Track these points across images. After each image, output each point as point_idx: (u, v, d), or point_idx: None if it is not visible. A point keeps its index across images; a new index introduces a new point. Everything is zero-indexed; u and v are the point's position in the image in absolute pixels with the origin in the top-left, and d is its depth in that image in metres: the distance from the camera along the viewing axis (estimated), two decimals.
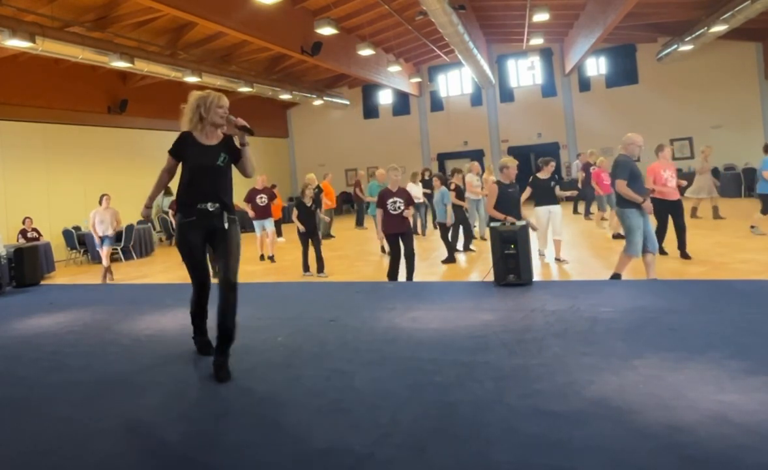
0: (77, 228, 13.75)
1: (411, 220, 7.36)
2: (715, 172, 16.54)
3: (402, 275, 6.97)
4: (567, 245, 8.66)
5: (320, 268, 8.43)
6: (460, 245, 9.69)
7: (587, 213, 13.11)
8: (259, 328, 4.62)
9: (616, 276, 5.84)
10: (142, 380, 3.63)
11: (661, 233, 7.39)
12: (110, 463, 2.54)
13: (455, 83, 22.68)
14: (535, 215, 7.90)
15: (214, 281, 3.74)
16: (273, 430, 2.72)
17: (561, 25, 17.61)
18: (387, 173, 7.31)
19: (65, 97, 14.66)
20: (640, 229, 5.71)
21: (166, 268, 11.60)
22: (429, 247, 10.71)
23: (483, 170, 11.74)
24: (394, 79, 19.95)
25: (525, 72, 21.48)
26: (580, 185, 13.19)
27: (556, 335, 3.77)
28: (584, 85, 20.70)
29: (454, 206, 9.32)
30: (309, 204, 8.42)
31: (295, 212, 8.46)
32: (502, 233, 5.61)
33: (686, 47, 16.03)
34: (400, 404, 2.87)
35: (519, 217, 6.63)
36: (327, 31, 12.59)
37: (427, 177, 13.52)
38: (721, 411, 2.47)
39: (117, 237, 10.06)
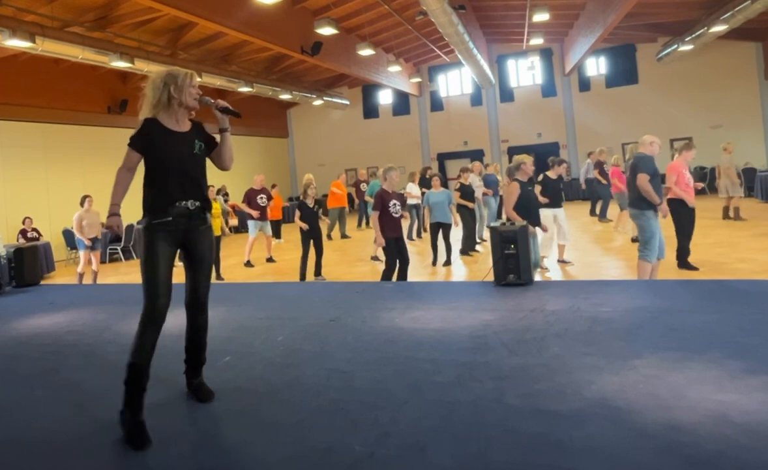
0: None
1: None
2: (713, 172, 16.55)
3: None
4: (580, 250, 8.66)
5: (317, 271, 8.27)
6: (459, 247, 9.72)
7: (603, 215, 12.50)
8: (259, 328, 4.62)
9: None
10: None
11: (688, 234, 6.80)
12: (110, 463, 2.54)
13: (455, 83, 22.69)
14: (541, 217, 7.79)
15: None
16: (273, 430, 2.72)
17: (561, 25, 17.61)
18: (384, 173, 6.83)
19: (65, 97, 14.66)
20: (657, 234, 5.58)
21: None
22: (428, 248, 10.70)
23: (484, 170, 11.73)
24: (394, 79, 19.96)
25: (525, 72, 21.49)
26: (604, 182, 12.21)
27: (556, 335, 3.77)
28: (584, 85, 20.70)
29: (460, 206, 9.33)
30: (311, 205, 8.35)
31: (297, 214, 8.28)
32: (502, 233, 5.60)
33: (686, 47, 16.04)
34: (400, 404, 2.87)
35: (538, 219, 6.35)
36: (327, 31, 12.59)
37: (428, 176, 13.40)
38: (721, 411, 2.47)
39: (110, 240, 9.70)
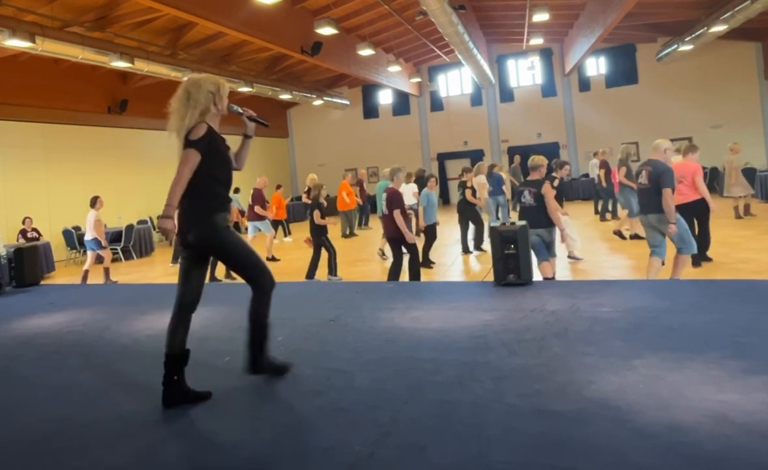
0: (77, 228, 13.75)
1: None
2: (714, 171, 16.56)
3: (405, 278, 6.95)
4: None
5: (331, 270, 8.18)
6: (470, 245, 9.75)
7: (604, 214, 12.60)
8: None
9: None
10: (142, 380, 3.63)
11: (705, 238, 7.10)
12: (110, 463, 2.54)
13: (455, 83, 22.69)
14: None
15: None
16: (273, 430, 2.72)
17: (561, 25, 17.61)
18: (393, 173, 7.04)
19: (65, 97, 14.66)
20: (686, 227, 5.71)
21: (166, 268, 11.60)
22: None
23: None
24: (394, 79, 19.96)
25: (525, 72, 21.49)
26: (604, 184, 12.39)
27: (556, 335, 3.77)
28: (584, 85, 20.70)
29: (467, 204, 9.36)
30: (325, 205, 8.34)
31: (317, 213, 8.12)
32: (502, 233, 5.60)
33: (686, 47, 16.04)
34: (400, 404, 2.87)
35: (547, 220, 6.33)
36: (327, 31, 12.60)
37: (425, 177, 13.40)
38: (721, 411, 2.47)
39: (99, 243, 9.56)
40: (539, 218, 5.99)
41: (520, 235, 5.53)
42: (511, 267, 5.49)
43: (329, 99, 21.36)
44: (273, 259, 10.66)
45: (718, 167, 16.91)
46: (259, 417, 2.89)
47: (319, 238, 8.09)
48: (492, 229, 5.78)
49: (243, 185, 15.59)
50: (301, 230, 9.56)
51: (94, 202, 9.45)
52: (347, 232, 13.82)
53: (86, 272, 9.49)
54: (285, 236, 14.47)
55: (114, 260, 12.99)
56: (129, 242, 13.46)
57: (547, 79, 21.16)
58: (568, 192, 19.44)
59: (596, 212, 13.69)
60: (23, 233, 12.12)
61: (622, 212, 10.27)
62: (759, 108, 18.46)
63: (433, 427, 2.57)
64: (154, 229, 15.92)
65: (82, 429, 2.93)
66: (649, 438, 2.30)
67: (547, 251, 6.05)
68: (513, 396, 2.84)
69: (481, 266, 8.50)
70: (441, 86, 22.77)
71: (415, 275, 6.94)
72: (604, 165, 12.34)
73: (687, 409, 2.53)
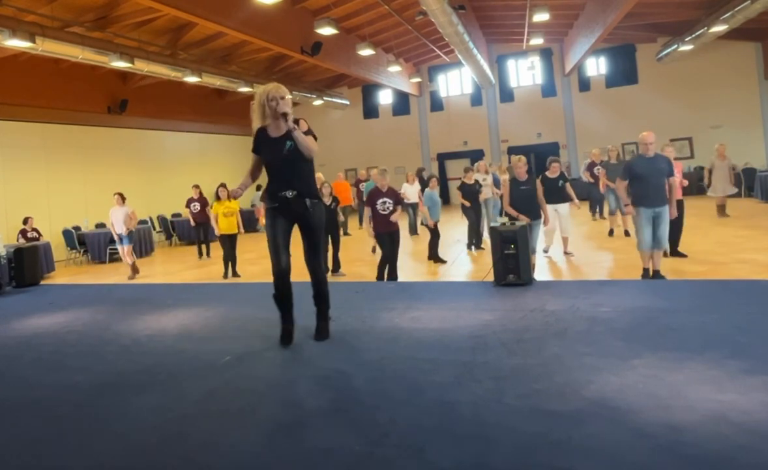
0: (77, 228, 13.76)
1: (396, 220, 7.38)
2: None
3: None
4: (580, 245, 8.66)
5: (335, 267, 8.36)
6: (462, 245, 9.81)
7: (593, 212, 12.85)
8: (259, 328, 4.62)
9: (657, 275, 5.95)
10: (142, 380, 3.63)
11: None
12: (110, 463, 2.54)
13: (455, 83, 22.68)
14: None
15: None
16: (273, 430, 2.72)
17: (561, 25, 17.61)
18: (375, 174, 7.52)
19: (65, 97, 14.66)
20: (643, 227, 5.86)
21: (167, 268, 11.60)
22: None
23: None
24: (394, 79, 19.95)
25: (525, 72, 21.48)
26: (592, 182, 12.48)
27: (556, 335, 3.77)
28: (584, 85, 20.70)
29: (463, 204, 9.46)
30: (328, 202, 8.42)
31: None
32: (502, 233, 5.61)
33: (686, 47, 16.03)
34: (399, 404, 2.87)
35: (536, 214, 6.63)
36: (327, 31, 12.59)
37: (425, 177, 13.45)
38: (720, 411, 2.47)
39: (132, 236, 10.02)
40: (523, 212, 6.48)
41: (520, 235, 5.54)
42: (510, 267, 5.50)
43: (329, 99, 21.35)
44: None
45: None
46: (259, 417, 2.90)
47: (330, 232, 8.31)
48: (492, 229, 5.79)
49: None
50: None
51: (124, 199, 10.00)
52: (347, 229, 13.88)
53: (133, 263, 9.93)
54: None
55: (114, 261, 13.01)
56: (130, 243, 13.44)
57: (547, 79, 21.15)
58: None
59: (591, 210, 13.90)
60: (23, 233, 12.12)
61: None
62: (759, 108, 18.45)
63: (432, 427, 2.57)
64: (154, 229, 15.94)
65: (82, 429, 2.93)
66: (648, 438, 2.30)
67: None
68: (512, 396, 2.84)
69: (481, 266, 8.50)
70: (441, 86, 22.76)
71: (392, 271, 7.19)
72: (590, 166, 12.51)
73: (686, 409, 2.53)
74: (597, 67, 20.52)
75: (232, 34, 12.24)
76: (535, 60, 21.05)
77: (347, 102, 22.88)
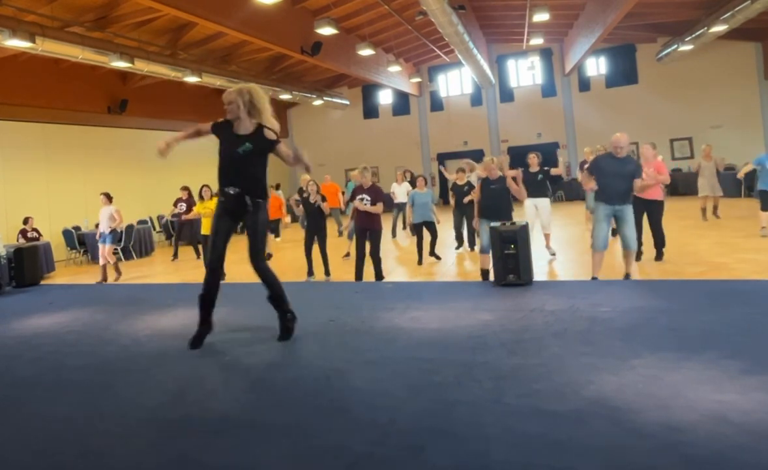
0: (77, 228, 13.76)
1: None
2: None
3: (370, 276, 7.06)
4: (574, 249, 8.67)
5: (326, 270, 8.21)
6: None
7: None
8: (259, 328, 4.62)
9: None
10: (142, 380, 3.63)
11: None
12: (110, 463, 2.54)
13: (455, 83, 22.69)
14: (524, 208, 8.02)
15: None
16: (273, 430, 2.72)
17: (561, 25, 17.61)
18: (355, 173, 7.66)
19: (65, 97, 14.65)
20: (599, 221, 5.94)
21: (167, 267, 11.61)
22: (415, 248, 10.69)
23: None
24: (394, 79, 19.95)
25: (525, 72, 21.48)
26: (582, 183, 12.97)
27: (555, 335, 3.77)
28: (584, 85, 20.70)
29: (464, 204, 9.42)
30: (314, 201, 8.35)
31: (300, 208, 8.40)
32: (502, 233, 5.61)
33: (686, 47, 16.03)
34: (399, 404, 2.87)
35: (507, 215, 6.44)
36: (327, 31, 12.59)
37: (408, 178, 13.38)
38: (719, 411, 2.47)
39: (114, 236, 9.86)
40: (491, 211, 6.52)
41: (520, 235, 5.54)
42: (510, 267, 5.50)
43: (329, 99, 21.36)
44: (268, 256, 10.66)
45: (718, 168, 16.92)
46: (259, 417, 2.90)
47: (308, 233, 8.29)
48: (492, 229, 5.79)
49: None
50: (299, 232, 9.68)
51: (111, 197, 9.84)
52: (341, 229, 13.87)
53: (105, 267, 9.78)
54: (275, 236, 14.45)
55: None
56: (129, 242, 13.45)
57: (547, 79, 21.16)
58: (567, 192, 19.48)
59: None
60: (23, 233, 12.12)
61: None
62: (759, 108, 18.45)
63: (432, 427, 2.57)
64: (154, 229, 15.93)
65: (81, 429, 2.93)
66: (648, 438, 2.30)
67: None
68: (512, 396, 2.84)
69: (479, 266, 8.48)
70: (441, 86, 22.76)
71: (377, 270, 7.16)
72: (582, 166, 12.50)
73: (685, 409, 2.53)
74: (597, 67, 20.53)
75: (232, 34, 12.24)
76: (535, 60, 21.06)
77: (347, 102, 22.88)
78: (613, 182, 5.87)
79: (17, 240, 11.76)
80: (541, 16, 13.11)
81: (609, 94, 20.24)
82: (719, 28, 13.72)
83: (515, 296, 5.04)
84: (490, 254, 5.98)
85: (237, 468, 2.41)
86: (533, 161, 8.25)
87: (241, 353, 3.99)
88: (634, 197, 6.16)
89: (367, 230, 7.17)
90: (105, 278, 9.58)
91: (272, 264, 10.18)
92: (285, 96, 18.37)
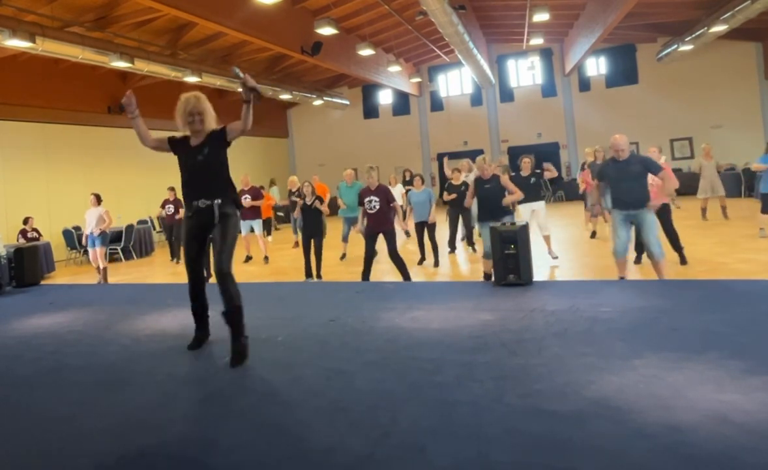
0: (77, 228, 13.74)
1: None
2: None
3: (395, 276, 7.01)
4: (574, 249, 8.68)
5: (317, 271, 8.22)
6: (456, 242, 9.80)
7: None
8: (259, 328, 4.60)
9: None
10: (142, 380, 3.63)
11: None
12: (110, 463, 2.54)
13: (455, 83, 22.69)
14: (519, 213, 7.92)
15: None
16: (273, 430, 2.72)
17: (561, 25, 17.61)
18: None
19: (65, 97, 14.65)
20: (617, 231, 5.75)
21: (166, 268, 11.60)
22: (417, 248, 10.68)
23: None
24: (394, 79, 19.95)
25: (525, 72, 21.49)
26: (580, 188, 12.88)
27: (556, 335, 3.77)
28: (584, 85, 20.70)
29: (449, 203, 9.38)
30: (310, 202, 8.33)
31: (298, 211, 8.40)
32: (502, 233, 5.60)
33: (686, 47, 16.04)
34: (400, 404, 2.87)
35: (501, 214, 6.41)
36: (327, 31, 12.59)
37: (408, 178, 13.35)
38: (721, 411, 2.47)
39: (104, 238, 9.74)
40: (486, 211, 6.54)
41: (520, 235, 5.53)
42: (511, 267, 5.49)
43: (329, 99, 21.35)
44: (264, 259, 10.65)
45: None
46: (259, 417, 2.89)
47: (305, 235, 8.31)
48: (492, 229, 5.78)
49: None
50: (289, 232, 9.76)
51: (100, 200, 9.72)
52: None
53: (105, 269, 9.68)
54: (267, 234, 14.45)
55: (114, 260, 13.02)
56: (129, 242, 13.46)
57: (547, 79, 21.16)
58: (568, 192, 19.48)
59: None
60: (23, 233, 12.12)
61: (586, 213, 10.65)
62: (759, 108, 18.45)
63: (432, 427, 2.57)
64: (154, 229, 15.92)
65: (82, 429, 2.93)
66: (649, 438, 2.30)
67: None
68: (513, 396, 2.84)
69: (480, 266, 8.49)
70: (441, 86, 22.76)
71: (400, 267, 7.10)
72: (583, 167, 12.51)
73: (687, 409, 2.53)
74: (597, 67, 20.53)
75: (232, 34, 12.23)
76: (535, 60, 21.06)
77: (347, 102, 22.89)
78: (622, 187, 5.67)
79: (17, 240, 11.76)
80: (541, 16, 13.11)
81: (609, 94, 20.24)
82: (719, 28, 13.72)
83: (516, 296, 5.03)
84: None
85: (237, 467, 2.40)
86: (526, 164, 8.07)
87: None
88: None
89: (378, 233, 7.08)
90: (105, 279, 9.58)
91: (271, 266, 10.21)
92: (285, 96, 18.37)
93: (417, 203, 8.91)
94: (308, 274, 8.21)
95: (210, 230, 3.91)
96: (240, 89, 3.79)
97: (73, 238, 13.31)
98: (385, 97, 23.34)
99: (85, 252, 13.33)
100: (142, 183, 16.27)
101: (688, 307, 4.29)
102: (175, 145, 4.00)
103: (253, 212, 10.47)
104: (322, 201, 8.36)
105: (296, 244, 10.03)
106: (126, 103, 4.00)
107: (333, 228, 11.62)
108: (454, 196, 9.09)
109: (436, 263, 8.79)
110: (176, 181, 4.01)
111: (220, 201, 3.82)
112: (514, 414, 2.64)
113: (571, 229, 11.78)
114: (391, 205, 7.15)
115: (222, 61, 15.49)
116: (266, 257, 10.67)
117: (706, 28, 14.05)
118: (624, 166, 5.71)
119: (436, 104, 22.75)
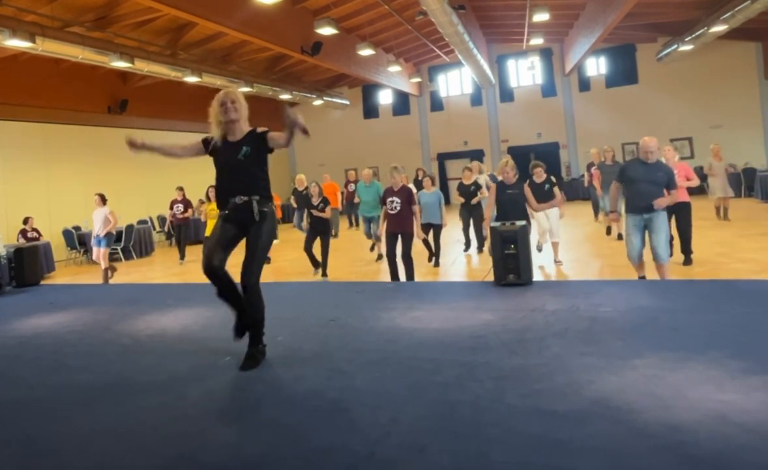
0: (77, 228, 13.76)
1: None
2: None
3: (401, 276, 6.97)
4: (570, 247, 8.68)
5: (323, 270, 8.24)
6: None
7: (596, 214, 12.71)
8: None
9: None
10: (142, 380, 3.63)
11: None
12: (110, 463, 2.54)
13: (455, 83, 22.69)
14: (535, 218, 7.89)
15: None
16: (273, 430, 2.72)
17: (561, 25, 17.61)
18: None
19: (65, 97, 14.65)
20: (630, 235, 5.70)
21: (166, 268, 11.60)
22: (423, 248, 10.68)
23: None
24: (394, 79, 19.95)
25: (525, 72, 21.49)
26: (586, 185, 12.72)
27: (556, 335, 3.77)
28: (584, 85, 20.71)
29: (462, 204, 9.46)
30: (316, 203, 8.35)
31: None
32: (502, 233, 5.60)
33: (686, 47, 16.04)
34: (400, 404, 2.87)
35: (518, 219, 6.28)
36: (327, 31, 12.59)
37: (420, 177, 13.34)
38: (721, 411, 2.47)
39: (110, 239, 9.71)
40: (505, 215, 6.45)
41: (520, 235, 5.53)
42: (511, 267, 5.49)
43: (329, 99, 21.36)
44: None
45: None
46: (259, 417, 2.89)
47: (310, 232, 8.35)
48: (492, 229, 5.78)
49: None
50: (294, 232, 9.74)
51: (105, 200, 9.67)
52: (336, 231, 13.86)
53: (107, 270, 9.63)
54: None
55: (114, 260, 13.02)
56: (129, 242, 13.46)
57: (547, 79, 21.16)
58: (568, 192, 19.46)
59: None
60: (23, 233, 12.12)
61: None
62: (759, 108, 18.46)
63: (433, 427, 2.57)
64: (154, 229, 15.93)
65: (81, 429, 2.93)
66: (649, 438, 2.30)
67: None
68: (513, 396, 2.84)
69: (481, 266, 8.50)
70: (441, 86, 22.76)
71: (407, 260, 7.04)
72: (588, 168, 12.46)
73: (687, 409, 2.53)
74: (597, 67, 20.53)
75: (232, 34, 12.23)
76: (535, 60, 21.06)
77: (347, 102, 22.89)
78: (643, 190, 5.54)
79: (17, 240, 11.76)
80: (541, 16, 13.11)
81: (609, 94, 20.25)
82: (719, 28, 13.72)
83: (516, 296, 5.03)
84: None
85: (237, 467, 2.40)
86: (539, 172, 8.09)
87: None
88: None
89: (398, 234, 7.04)
90: (107, 279, 9.58)
91: (271, 266, 10.21)
92: (285, 96, 18.36)
93: (426, 204, 8.87)
94: (315, 264, 8.33)
95: (248, 230, 3.64)
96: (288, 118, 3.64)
97: (73, 238, 13.32)
98: (385, 97, 23.34)
99: (86, 251, 13.38)
100: (142, 183, 16.28)
101: (688, 307, 4.29)
102: (210, 144, 3.81)
103: None
104: (328, 203, 8.35)
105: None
106: (140, 149, 3.74)
107: (344, 228, 11.61)
108: (480, 197, 9.32)
109: (436, 263, 8.81)
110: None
111: (258, 198, 3.64)
112: (514, 414, 2.64)
113: (572, 229, 11.77)
114: (412, 207, 7.08)
115: (222, 61, 15.49)
116: (269, 258, 10.65)
117: (706, 28, 14.06)
118: (651, 169, 5.60)
119: (436, 104, 22.75)
